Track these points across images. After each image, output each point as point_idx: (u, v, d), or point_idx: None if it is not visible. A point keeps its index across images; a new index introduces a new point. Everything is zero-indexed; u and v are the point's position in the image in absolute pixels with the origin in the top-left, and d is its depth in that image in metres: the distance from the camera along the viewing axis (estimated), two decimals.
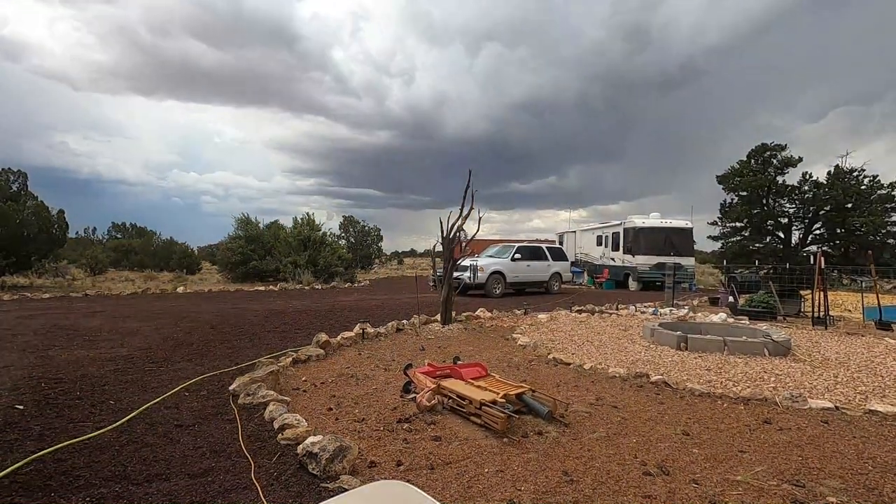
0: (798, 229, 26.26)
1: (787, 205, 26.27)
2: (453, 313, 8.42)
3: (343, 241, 28.24)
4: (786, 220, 26.24)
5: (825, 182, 24.71)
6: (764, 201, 26.16)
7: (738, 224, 26.87)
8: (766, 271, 15.01)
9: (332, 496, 0.85)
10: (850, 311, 11.21)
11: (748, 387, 4.53)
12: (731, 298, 11.88)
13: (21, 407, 3.58)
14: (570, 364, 5.43)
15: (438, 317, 8.21)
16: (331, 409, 3.73)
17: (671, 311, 10.86)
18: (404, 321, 7.87)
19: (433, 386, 3.82)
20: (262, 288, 16.12)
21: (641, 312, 10.68)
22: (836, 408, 3.95)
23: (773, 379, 4.83)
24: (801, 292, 11.04)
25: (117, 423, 3.27)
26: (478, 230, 8.61)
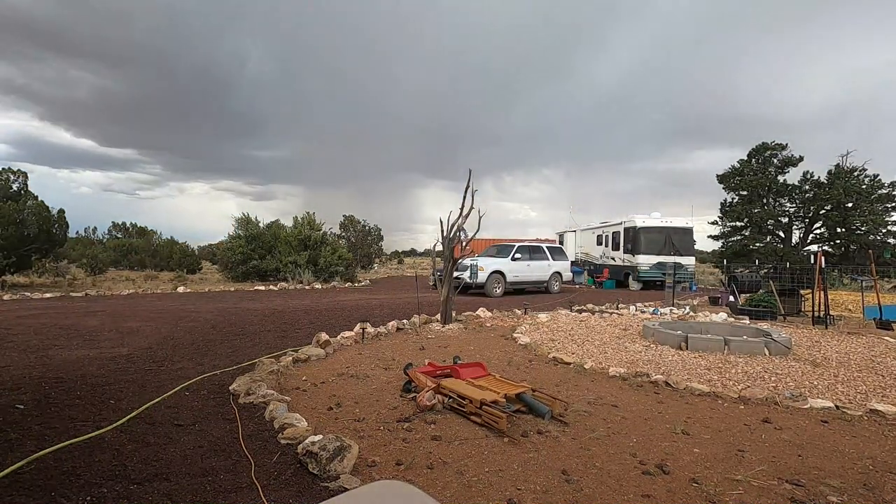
0: (798, 229, 26.26)
1: (788, 204, 26.27)
2: (454, 313, 8.42)
3: (343, 241, 28.19)
4: (786, 219, 26.22)
5: (825, 181, 24.70)
6: (764, 201, 26.16)
7: (738, 223, 26.88)
8: (766, 271, 14.99)
9: (333, 496, 0.85)
10: (850, 310, 11.21)
11: (748, 386, 4.52)
12: (731, 298, 11.89)
13: (21, 407, 3.58)
14: (570, 363, 5.43)
15: (439, 316, 8.22)
16: (331, 408, 3.73)
17: (671, 310, 10.86)
18: (405, 321, 7.86)
19: (433, 385, 3.82)
20: (263, 287, 16.12)
21: (642, 312, 10.67)
22: (837, 407, 3.95)
23: (773, 378, 4.83)
24: (802, 292, 11.04)
25: (117, 423, 3.27)
26: (478, 229, 8.61)
